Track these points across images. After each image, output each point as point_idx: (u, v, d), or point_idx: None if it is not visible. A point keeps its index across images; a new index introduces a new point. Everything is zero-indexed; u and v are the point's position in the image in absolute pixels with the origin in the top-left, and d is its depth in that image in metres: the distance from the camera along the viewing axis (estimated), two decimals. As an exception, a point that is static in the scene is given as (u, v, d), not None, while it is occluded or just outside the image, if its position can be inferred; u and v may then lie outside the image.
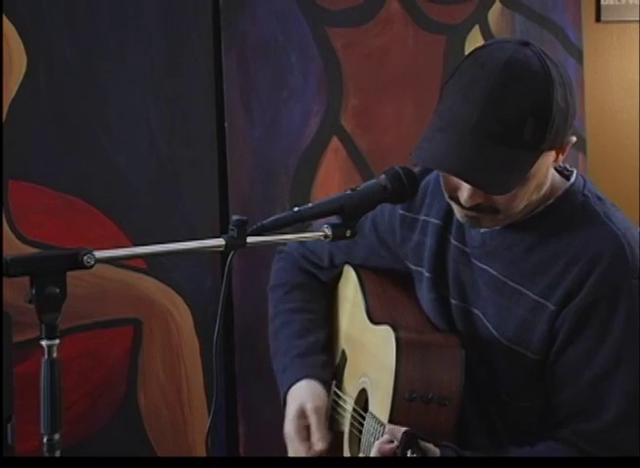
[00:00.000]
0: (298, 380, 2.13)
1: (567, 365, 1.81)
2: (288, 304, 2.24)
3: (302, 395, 2.11)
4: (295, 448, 2.11)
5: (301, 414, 2.09)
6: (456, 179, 1.77)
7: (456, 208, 1.84)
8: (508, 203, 1.79)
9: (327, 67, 2.87)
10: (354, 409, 2.06)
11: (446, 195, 1.84)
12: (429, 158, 1.76)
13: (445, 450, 1.73)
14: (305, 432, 2.09)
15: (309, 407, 2.09)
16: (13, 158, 2.56)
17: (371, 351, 2.03)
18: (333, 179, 2.88)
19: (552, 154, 1.78)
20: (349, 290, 2.20)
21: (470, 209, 1.80)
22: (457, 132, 1.73)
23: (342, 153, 2.90)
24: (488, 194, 1.76)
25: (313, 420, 2.08)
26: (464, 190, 1.77)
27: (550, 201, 1.86)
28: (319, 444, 2.07)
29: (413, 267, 2.06)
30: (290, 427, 2.11)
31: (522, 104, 1.70)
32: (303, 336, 2.19)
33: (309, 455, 2.08)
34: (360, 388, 2.05)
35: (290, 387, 2.13)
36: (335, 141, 2.89)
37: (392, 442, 1.73)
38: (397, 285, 2.11)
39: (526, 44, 1.77)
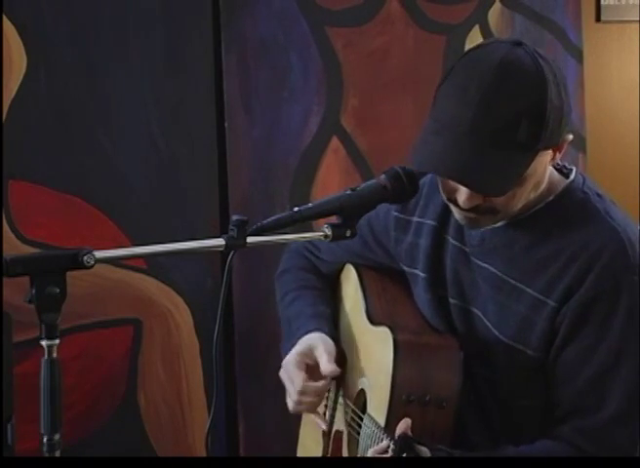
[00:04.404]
0: (311, 331, 2.06)
1: (567, 362, 1.80)
2: (296, 283, 2.23)
3: (314, 339, 2.03)
4: (290, 377, 2.01)
5: (308, 353, 2.01)
6: (453, 182, 1.77)
7: (454, 210, 1.84)
8: (507, 203, 1.78)
9: (327, 67, 2.87)
10: (352, 411, 2.06)
11: (444, 197, 1.83)
12: (426, 162, 1.75)
13: (435, 453, 1.71)
14: (304, 366, 2.00)
15: (320, 348, 2.00)
16: (13, 158, 2.56)
17: (369, 352, 2.03)
18: (333, 179, 2.88)
19: (549, 153, 1.78)
20: (350, 288, 2.20)
21: (469, 210, 1.79)
22: (451, 134, 1.72)
23: (342, 153, 2.90)
24: (485, 196, 1.76)
25: (323, 356, 1.98)
26: (462, 193, 1.77)
27: (550, 198, 1.86)
28: (328, 366, 1.96)
29: (407, 269, 2.05)
30: (290, 358, 2.02)
31: (516, 105, 1.69)
32: (315, 305, 2.15)
33: (304, 388, 1.99)
34: (359, 388, 2.05)
35: (301, 336, 2.06)
36: (335, 141, 2.89)
37: (387, 452, 1.73)
38: (397, 283, 2.11)
39: (519, 44, 1.76)
